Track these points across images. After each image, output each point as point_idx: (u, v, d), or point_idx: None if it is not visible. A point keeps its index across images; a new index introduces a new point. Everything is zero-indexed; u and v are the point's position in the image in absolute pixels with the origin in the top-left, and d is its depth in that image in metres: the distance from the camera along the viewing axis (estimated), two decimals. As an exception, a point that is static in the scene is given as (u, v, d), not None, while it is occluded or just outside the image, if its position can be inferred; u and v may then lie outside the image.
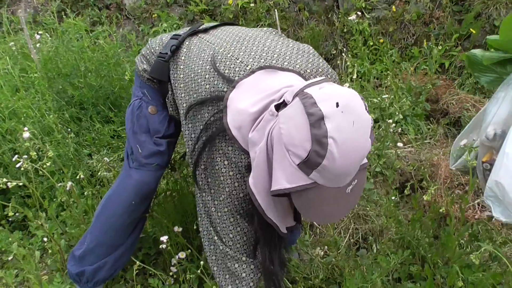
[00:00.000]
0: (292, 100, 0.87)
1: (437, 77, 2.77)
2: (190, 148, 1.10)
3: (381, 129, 2.36)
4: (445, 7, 3.01)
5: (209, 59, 1.08)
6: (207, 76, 1.06)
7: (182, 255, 1.35)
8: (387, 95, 2.22)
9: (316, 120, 0.80)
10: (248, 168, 1.00)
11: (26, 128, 1.50)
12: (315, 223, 1.82)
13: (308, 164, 0.83)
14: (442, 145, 2.49)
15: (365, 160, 0.91)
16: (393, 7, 3.21)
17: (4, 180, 1.50)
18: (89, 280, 1.43)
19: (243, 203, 1.08)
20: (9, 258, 1.63)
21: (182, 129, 1.16)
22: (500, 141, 1.30)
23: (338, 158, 0.81)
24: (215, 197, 1.08)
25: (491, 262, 1.37)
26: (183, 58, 1.16)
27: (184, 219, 1.58)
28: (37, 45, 2.30)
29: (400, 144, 1.80)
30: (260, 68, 1.02)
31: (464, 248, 1.37)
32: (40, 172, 1.74)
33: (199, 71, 1.09)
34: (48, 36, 2.32)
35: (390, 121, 1.86)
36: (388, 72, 2.69)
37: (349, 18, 3.02)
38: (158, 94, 1.28)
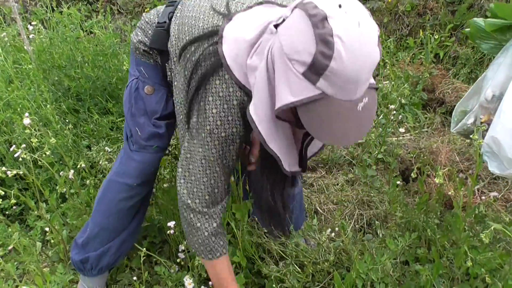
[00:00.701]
0: (291, 13, 0.82)
1: (433, 67, 2.80)
2: (182, 98, 1.06)
3: (380, 117, 2.37)
4: (438, -3, 3.04)
5: (206, 3, 1.05)
6: (201, 16, 1.02)
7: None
8: (387, 82, 2.23)
9: (320, 20, 0.75)
10: (241, 106, 0.97)
11: (27, 114, 1.46)
12: (328, 141, 1.82)
13: (314, 70, 0.77)
14: (439, 134, 2.51)
15: (373, 80, 0.86)
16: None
17: (3, 169, 1.46)
18: (93, 266, 1.40)
19: (224, 144, 1.02)
20: (9, 248, 1.58)
21: (173, 82, 1.11)
22: (497, 102, 1.38)
23: (347, 60, 0.75)
24: (195, 136, 1.04)
25: (497, 243, 1.38)
26: (178, 14, 1.11)
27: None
28: (30, 36, 2.25)
29: (402, 130, 1.81)
30: (259, 3, 0.98)
31: (471, 230, 1.38)
32: (39, 163, 1.71)
33: (194, 14, 1.04)
34: (42, 27, 2.27)
35: (392, 106, 1.86)
36: (386, 61, 2.69)
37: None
38: (154, 71, 1.23)
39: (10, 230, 1.71)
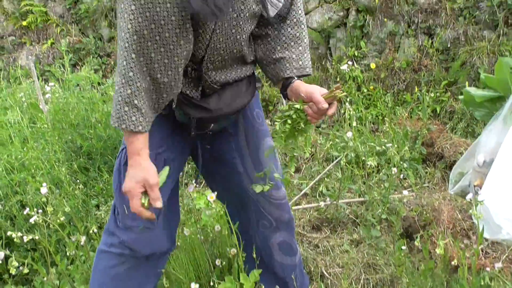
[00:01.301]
0: None
1: (431, 122, 2.90)
2: None
3: (381, 173, 2.43)
4: (432, 55, 3.19)
5: None
6: None
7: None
8: (390, 144, 2.31)
9: None
10: None
11: (44, 184, 1.51)
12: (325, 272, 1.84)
13: None
14: (440, 189, 2.56)
15: None
16: (382, 57, 3.38)
17: (19, 234, 1.49)
18: None
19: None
20: None
21: None
22: (488, 167, 1.45)
23: None
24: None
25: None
26: None
27: (197, 274, 1.58)
28: (47, 95, 2.34)
29: (405, 192, 1.86)
30: None
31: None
32: (50, 225, 1.74)
33: None
34: (58, 86, 2.36)
35: (395, 169, 1.93)
36: (385, 118, 2.80)
37: (341, 67, 3.16)
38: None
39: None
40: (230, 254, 1.48)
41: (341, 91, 1.17)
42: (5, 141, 2.06)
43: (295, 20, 1.28)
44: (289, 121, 1.22)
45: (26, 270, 1.83)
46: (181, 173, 1.40)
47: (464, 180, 1.64)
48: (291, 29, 1.27)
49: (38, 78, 2.96)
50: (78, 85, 2.52)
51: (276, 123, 1.27)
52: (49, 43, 4.55)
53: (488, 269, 1.41)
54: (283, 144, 1.26)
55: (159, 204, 1.09)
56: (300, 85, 1.26)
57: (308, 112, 1.20)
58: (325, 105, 1.16)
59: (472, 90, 1.58)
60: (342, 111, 3.09)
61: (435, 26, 3.16)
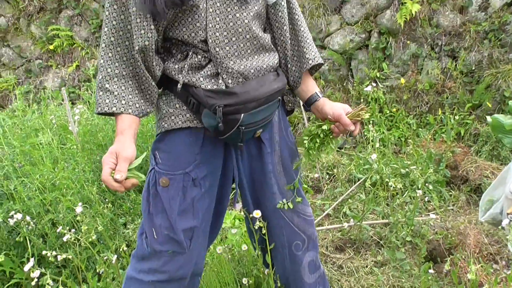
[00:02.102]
0: None
1: (455, 145, 2.88)
2: None
3: (405, 195, 2.42)
4: (456, 78, 3.19)
5: None
6: None
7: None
8: (414, 166, 2.30)
9: None
10: None
11: (80, 204, 1.57)
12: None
13: None
14: (465, 212, 2.53)
15: None
16: (403, 79, 3.39)
17: (54, 253, 1.54)
18: None
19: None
20: None
21: None
22: None
23: None
24: None
25: None
26: None
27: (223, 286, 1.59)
28: (75, 117, 2.44)
29: (432, 215, 1.85)
30: None
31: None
32: (81, 243, 1.80)
33: None
34: (86, 108, 2.47)
35: (420, 191, 1.92)
36: (409, 140, 2.79)
37: (365, 89, 3.18)
38: (171, 144, 1.21)
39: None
40: (261, 273, 1.49)
41: (366, 112, 1.23)
42: (37, 161, 2.14)
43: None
44: (317, 140, 1.31)
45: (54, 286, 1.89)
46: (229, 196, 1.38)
47: (495, 208, 1.62)
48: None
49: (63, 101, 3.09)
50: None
51: (305, 140, 1.33)
52: (74, 66, 4.74)
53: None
54: (310, 159, 1.35)
55: (118, 176, 1.05)
56: (325, 104, 1.30)
57: (334, 130, 1.27)
58: (352, 127, 1.23)
59: (501, 117, 1.58)
60: (365, 132, 3.10)
61: (459, 49, 3.16)
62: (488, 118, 1.84)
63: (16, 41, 4.94)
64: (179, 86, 1.17)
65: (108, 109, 1.12)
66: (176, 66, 1.19)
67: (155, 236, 1.22)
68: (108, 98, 1.13)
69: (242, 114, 1.16)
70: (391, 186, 2.13)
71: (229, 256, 1.65)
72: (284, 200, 1.36)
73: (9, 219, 1.92)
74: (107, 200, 2.15)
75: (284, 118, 1.42)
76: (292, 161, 1.40)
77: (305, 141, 1.33)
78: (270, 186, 1.35)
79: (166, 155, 1.22)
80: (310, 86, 1.36)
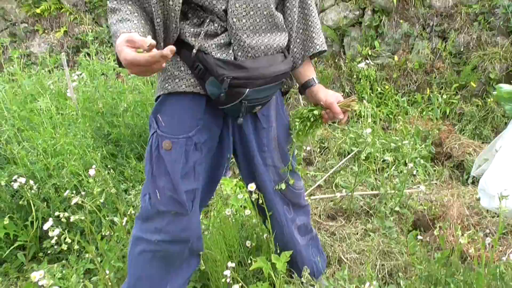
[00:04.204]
0: None
1: (441, 123, 3.01)
2: None
3: (392, 169, 2.55)
4: (444, 58, 3.30)
5: None
6: None
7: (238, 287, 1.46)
8: (406, 141, 2.42)
9: None
10: None
11: (94, 166, 1.61)
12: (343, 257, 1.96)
13: None
14: (448, 187, 2.68)
15: None
16: (395, 57, 3.49)
17: (66, 214, 1.59)
18: None
19: None
20: None
21: None
22: None
23: None
24: None
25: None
26: None
27: (230, 254, 1.68)
28: (73, 84, 2.43)
29: (422, 187, 1.97)
30: None
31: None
32: (87, 207, 1.84)
33: None
34: (84, 76, 2.46)
35: (411, 164, 2.04)
36: (399, 117, 2.90)
37: (359, 65, 3.26)
38: (173, 108, 1.24)
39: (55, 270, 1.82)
40: (262, 237, 1.59)
41: (356, 103, 1.35)
42: (37, 127, 2.15)
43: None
44: (308, 123, 1.42)
45: (64, 247, 1.94)
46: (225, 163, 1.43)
47: (486, 164, 1.78)
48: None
49: (57, 67, 3.05)
50: (103, 74, 2.61)
51: (296, 122, 1.43)
52: (62, 32, 4.60)
53: (504, 258, 1.52)
54: (299, 141, 1.47)
55: (148, 41, 0.97)
56: (319, 91, 1.38)
57: (324, 116, 1.37)
58: (341, 116, 1.33)
59: (504, 86, 1.70)
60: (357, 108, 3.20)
61: (449, 30, 3.26)
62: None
63: (0, 3, 4.76)
64: (194, 51, 1.19)
65: (127, 31, 1.06)
66: (192, 30, 1.21)
67: (158, 197, 1.26)
68: (127, 26, 1.08)
69: (248, 89, 1.20)
70: (382, 160, 2.25)
71: (233, 220, 1.74)
72: (281, 184, 1.46)
73: (12, 183, 1.95)
74: (109, 166, 2.19)
75: (280, 98, 1.49)
76: (286, 138, 1.49)
77: (296, 123, 1.42)
78: (264, 159, 1.43)
79: (169, 119, 1.24)
80: (308, 71, 1.43)
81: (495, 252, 1.96)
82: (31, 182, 1.94)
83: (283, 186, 1.45)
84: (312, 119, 1.40)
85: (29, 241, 2.02)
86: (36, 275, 1.37)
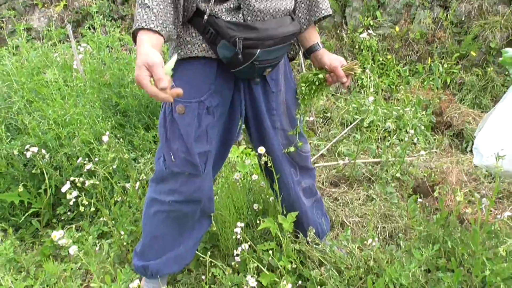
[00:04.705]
0: None
1: (441, 92, 3.05)
2: None
3: (393, 138, 2.61)
4: (446, 28, 3.30)
5: None
6: None
7: (245, 246, 1.54)
8: (408, 108, 2.47)
9: None
10: None
11: (107, 133, 1.67)
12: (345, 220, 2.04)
13: None
14: (447, 155, 2.75)
15: None
16: (397, 27, 3.49)
17: (81, 179, 1.66)
18: (153, 274, 1.53)
19: None
20: (72, 250, 1.67)
21: None
22: None
23: None
24: None
25: (510, 256, 1.60)
26: None
27: (238, 216, 1.76)
28: (79, 56, 2.46)
29: (423, 152, 2.03)
30: None
31: (485, 243, 1.60)
32: (100, 173, 1.91)
33: None
34: (90, 48, 2.48)
35: (412, 131, 2.09)
36: (401, 87, 2.94)
37: (361, 36, 3.27)
38: (185, 73, 1.28)
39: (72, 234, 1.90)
40: (269, 200, 1.66)
41: (358, 67, 1.40)
42: (46, 98, 2.19)
43: None
44: (313, 87, 1.47)
45: (80, 209, 2.02)
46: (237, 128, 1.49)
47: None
48: None
49: (60, 41, 3.06)
50: (108, 46, 2.63)
51: (302, 87, 1.49)
52: (62, 5, 4.57)
53: (499, 216, 1.60)
54: (305, 104, 1.52)
55: (163, 83, 1.02)
56: (324, 55, 1.42)
57: (328, 80, 1.43)
58: (345, 79, 1.39)
59: (510, 50, 1.74)
60: (359, 79, 3.23)
61: (451, -1, 3.26)
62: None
63: (-3, -24, 4.69)
64: (205, 16, 1.23)
65: (146, 24, 1.10)
66: None
67: (173, 159, 1.32)
68: (146, 14, 1.11)
69: (259, 50, 1.24)
70: (385, 128, 2.30)
71: (240, 185, 1.81)
72: (290, 147, 1.52)
73: (25, 152, 2.01)
74: (118, 136, 2.24)
75: (288, 63, 1.54)
76: (294, 103, 1.54)
77: (302, 88, 1.47)
78: (273, 122, 1.49)
79: (182, 84, 1.26)
80: (313, 36, 1.47)
81: (490, 214, 2.04)
82: (43, 151, 2.01)
83: (292, 149, 1.51)
84: (317, 83, 1.45)
85: (43, 208, 2.10)
86: (56, 235, 1.45)
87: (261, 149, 1.49)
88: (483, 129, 1.58)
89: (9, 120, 2.11)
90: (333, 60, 1.40)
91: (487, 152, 1.51)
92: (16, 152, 2.05)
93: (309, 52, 1.47)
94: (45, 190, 2.07)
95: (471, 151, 2.75)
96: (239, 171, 1.82)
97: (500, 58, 1.84)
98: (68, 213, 2.14)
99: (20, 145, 2.03)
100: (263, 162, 1.52)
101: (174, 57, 1.12)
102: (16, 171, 2.08)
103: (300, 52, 1.68)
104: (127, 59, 2.35)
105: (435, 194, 1.68)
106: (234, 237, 1.55)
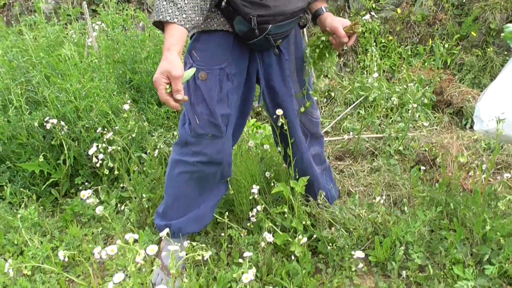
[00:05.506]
0: None
1: (442, 72, 3.15)
2: None
3: (396, 114, 2.71)
4: (447, 10, 3.39)
5: None
6: None
7: (260, 208, 1.64)
8: (412, 83, 2.56)
9: None
10: None
11: (129, 101, 1.75)
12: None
13: None
14: (447, 131, 2.86)
15: None
16: (399, 9, 3.57)
17: (104, 145, 1.74)
18: (175, 232, 1.63)
19: None
20: (98, 210, 1.75)
21: None
22: None
23: None
24: None
25: (509, 215, 1.71)
26: None
27: (252, 182, 1.86)
28: (93, 33, 2.53)
29: (426, 124, 2.13)
30: None
31: (488, 202, 1.70)
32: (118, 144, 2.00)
33: None
34: (104, 25, 2.54)
35: (415, 105, 2.19)
36: (403, 65, 3.03)
37: (363, 18, 3.34)
38: (206, 44, 1.40)
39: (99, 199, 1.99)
40: (280, 169, 1.76)
41: (359, 26, 1.44)
42: (64, 73, 2.27)
43: None
44: (317, 50, 1.53)
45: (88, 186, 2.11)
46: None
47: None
48: None
49: (70, 22, 3.12)
50: (121, 25, 2.70)
51: (307, 50, 1.56)
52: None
53: (499, 177, 1.70)
54: (312, 67, 1.58)
55: (179, 96, 1.18)
56: (327, 18, 1.50)
57: (332, 42, 1.48)
58: (345, 39, 1.43)
59: (511, 26, 1.84)
60: (360, 60, 3.32)
61: (452, -19, 3.33)
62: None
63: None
64: None
65: (170, 18, 1.21)
66: None
67: (197, 121, 1.44)
68: (171, 9, 1.22)
69: (271, 25, 1.37)
70: (387, 106, 2.39)
71: (254, 154, 1.90)
72: (301, 108, 1.61)
73: (45, 124, 2.09)
74: (132, 110, 2.32)
75: (298, 32, 1.63)
76: (303, 69, 1.63)
77: (307, 51, 1.55)
78: (288, 89, 1.59)
79: (203, 53, 1.42)
80: (319, 2, 1.56)
81: (490, 181, 2.15)
82: (62, 123, 2.09)
83: (302, 109, 1.60)
84: (321, 46, 1.51)
85: (62, 178, 2.19)
86: (85, 194, 1.54)
87: (279, 111, 1.57)
88: (484, 96, 1.68)
89: (29, 93, 2.19)
90: (335, 21, 1.46)
91: (487, 117, 1.61)
92: (36, 124, 2.13)
93: (315, 17, 1.55)
94: (64, 161, 2.16)
95: (470, 127, 2.85)
96: (253, 140, 1.92)
97: (502, 34, 1.94)
98: (86, 183, 2.23)
99: (41, 117, 2.11)
100: (279, 124, 1.60)
101: (191, 70, 1.27)
102: (37, 142, 2.16)
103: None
104: (140, 36, 2.43)
105: (438, 160, 1.77)
106: (251, 197, 1.65)
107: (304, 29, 3.19)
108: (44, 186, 2.19)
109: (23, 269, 1.58)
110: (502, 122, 1.49)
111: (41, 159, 2.08)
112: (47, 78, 2.29)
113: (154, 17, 1.25)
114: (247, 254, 1.27)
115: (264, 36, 1.39)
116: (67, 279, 1.72)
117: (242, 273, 1.18)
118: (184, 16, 1.24)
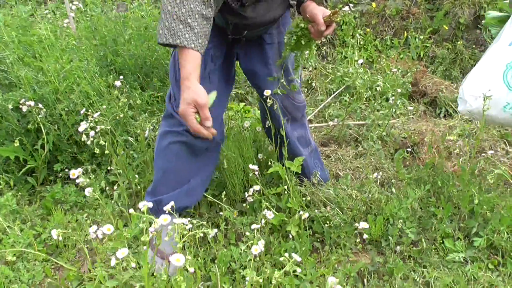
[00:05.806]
0: None
1: (417, 63, 3.26)
2: None
3: (376, 104, 2.78)
4: (420, 4, 3.52)
5: None
6: None
7: (256, 187, 1.62)
8: (395, 69, 2.62)
9: None
10: None
11: (121, 77, 1.68)
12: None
13: None
14: (423, 120, 2.96)
15: None
16: (374, 3, 3.67)
17: (92, 125, 1.66)
18: (166, 207, 1.61)
19: None
20: (87, 192, 1.62)
21: None
22: None
23: None
24: None
25: (494, 190, 1.78)
26: None
27: (245, 161, 1.83)
28: (71, 14, 2.41)
29: (410, 107, 2.19)
30: None
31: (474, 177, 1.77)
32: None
33: None
34: (82, 6, 2.43)
35: (399, 90, 2.25)
36: (382, 55, 3.11)
37: (343, 8, 3.40)
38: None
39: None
40: (269, 150, 1.75)
41: (338, 16, 1.41)
42: (40, 54, 2.15)
43: None
44: (295, 37, 1.52)
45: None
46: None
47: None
48: None
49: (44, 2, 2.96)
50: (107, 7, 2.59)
51: (285, 37, 1.56)
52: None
53: (484, 154, 1.78)
54: (289, 54, 1.56)
55: (208, 123, 1.22)
56: (309, 5, 1.50)
57: (311, 30, 1.46)
58: (323, 28, 1.41)
59: (492, 12, 1.93)
60: (340, 51, 3.37)
61: (425, -24, 3.46)
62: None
63: None
64: None
65: (187, 43, 1.23)
66: None
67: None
68: (188, 33, 1.23)
69: (246, 31, 1.52)
70: (373, 92, 2.45)
71: (246, 136, 1.88)
72: (279, 89, 1.61)
73: (20, 107, 1.96)
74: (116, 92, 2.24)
75: (284, 18, 1.64)
76: (290, 54, 1.64)
77: (285, 37, 1.54)
78: (270, 71, 1.62)
79: None
80: None
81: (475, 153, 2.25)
82: (40, 105, 1.97)
83: (278, 91, 1.59)
84: (299, 33, 1.49)
85: (40, 164, 2.06)
86: (75, 173, 1.46)
87: (267, 92, 1.57)
88: (467, 78, 1.74)
89: (1, 73, 2.05)
90: (315, 10, 1.44)
91: (471, 97, 1.68)
92: (10, 106, 2.00)
93: (299, 5, 1.56)
94: (42, 146, 2.04)
95: (444, 116, 2.97)
96: (247, 120, 1.90)
97: (483, 21, 2.04)
98: (66, 170, 2.12)
99: (16, 98, 1.98)
100: (269, 104, 1.60)
101: (213, 94, 1.31)
102: (11, 125, 2.03)
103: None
104: (123, 16, 2.34)
105: (426, 139, 1.83)
106: (246, 178, 1.63)
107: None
108: (20, 174, 2.06)
109: (7, 255, 1.48)
110: (489, 99, 1.55)
111: (16, 143, 1.96)
112: (21, 60, 2.16)
113: (169, 38, 1.23)
114: (254, 226, 1.25)
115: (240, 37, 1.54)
116: (53, 266, 1.63)
117: (252, 245, 1.16)
118: (199, 41, 1.26)
